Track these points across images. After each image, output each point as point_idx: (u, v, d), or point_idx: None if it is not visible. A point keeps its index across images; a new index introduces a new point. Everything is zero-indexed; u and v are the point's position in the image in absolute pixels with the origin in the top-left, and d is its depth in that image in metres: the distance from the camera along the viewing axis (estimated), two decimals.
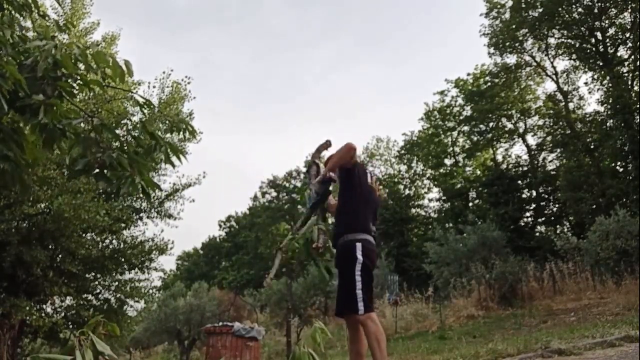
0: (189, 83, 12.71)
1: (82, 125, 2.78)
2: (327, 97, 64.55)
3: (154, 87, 12.40)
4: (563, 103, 23.78)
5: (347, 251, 3.50)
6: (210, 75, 62.30)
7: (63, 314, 10.85)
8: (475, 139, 27.43)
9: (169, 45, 64.78)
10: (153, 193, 11.27)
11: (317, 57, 62.52)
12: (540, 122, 25.26)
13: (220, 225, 46.50)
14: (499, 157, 27.59)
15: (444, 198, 28.23)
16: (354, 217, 3.60)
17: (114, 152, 2.68)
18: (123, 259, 11.25)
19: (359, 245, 3.49)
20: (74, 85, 2.75)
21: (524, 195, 23.88)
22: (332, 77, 61.98)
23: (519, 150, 34.27)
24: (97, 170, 2.74)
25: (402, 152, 31.06)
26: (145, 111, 2.93)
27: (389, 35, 55.97)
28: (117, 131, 3.16)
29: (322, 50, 60.71)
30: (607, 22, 21.25)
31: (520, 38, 23.07)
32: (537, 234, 22.69)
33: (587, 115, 22.23)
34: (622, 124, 18.08)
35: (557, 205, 23.41)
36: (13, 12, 2.76)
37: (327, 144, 3.94)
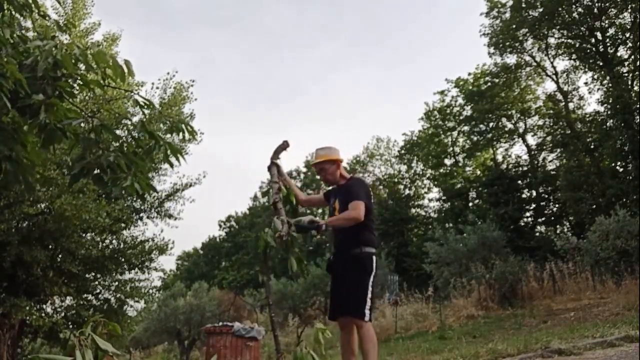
0: (192, 85, 12.68)
1: (83, 125, 2.78)
2: (327, 97, 64.55)
3: (157, 87, 12.37)
4: (563, 103, 23.78)
5: (364, 261, 3.76)
6: (210, 75, 62.35)
7: (63, 314, 10.85)
8: (475, 139, 27.42)
9: (168, 45, 64.83)
10: (148, 195, 11.26)
11: (317, 57, 62.53)
12: (540, 122, 25.27)
13: (220, 225, 46.50)
14: (499, 157, 27.60)
15: (444, 198, 28.24)
16: (373, 235, 3.90)
17: (112, 154, 2.67)
18: (123, 259, 11.25)
19: (375, 259, 3.82)
20: (74, 85, 2.75)
21: (524, 195, 23.89)
22: (332, 76, 62.01)
23: (519, 150, 34.27)
24: (96, 172, 2.74)
25: (402, 152, 31.07)
26: (146, 112, 2.93)
27: (389, 35, 55.98)
28: (117, 131, 3.15)
29: (322, 50, 60.73)
30: (607, 22, 21.25)
31: (520, 38, 23.07)
32: (537, 234, 22.68)
33: (587, 115, 22.24)
34: (622, 124, 18.08)
35: (557, 205, 23.42)
36: (13, 12, 2.75)
37: (284, 145, 4.08)
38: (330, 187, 4.19)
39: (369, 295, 3.67)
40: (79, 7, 11.38)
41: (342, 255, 3.83)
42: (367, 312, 3.63)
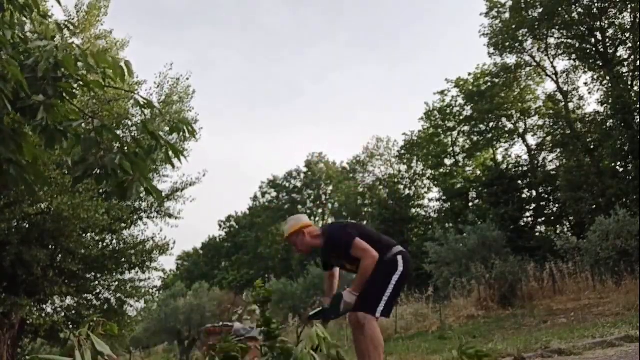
0: (188, 79, 12.74)
1: (83, 126, 2.78)
2: (327, 97, 64.62)
3: (158, 86, 12.41)
4: (563, 103, 23.78)
5: (392, 261, 3.63)
6: (210, 75, 62.35)
7: (63, 314, 10.87)
8: (475, 139, 27.42)
9: (166, 44, 64.77)
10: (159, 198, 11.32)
11: (316, 56, 62.56)
12: (540, 122, 25.27)
13: (220, 225, 46.56)
14: (499, 157, 27.60)
15: (444, 198, 28.23)
16: (383, 244, 3.70)
17: (116, 155, 2.67)
18: (123, 259, 11.26)
19: (399, 258, 3.66)
20: (75, 86, 2.75)
21: (524, 195, 23.86)
22: (332, 76, 62.05)
23: (519, 150, 34.29)
24: (98, 172, 2.73)
25: (402, 152, 31.07)
26: (147, 111, 2.93)
27: (389, 35, 56.03)
28: (118, 132, 3.15)
29: (322, 49, 60.77)
30: (606, 22, 21.26)
31: (520, 38, 23.07)
32: (537, 234, 22.68)
33: (587, 115, 22.24)
34: (622, 124, 18.08)
35: (557, 205, 23.40)
36: (14, 11, 2.75)
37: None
38: (324, 257, 3.99)
39: (388, 294, 3.50)
40: (92, 15, 11.56)
41: None
42: (379, 309, 3.46)
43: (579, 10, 21.56)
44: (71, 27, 8.72)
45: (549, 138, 24.22)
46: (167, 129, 9.97)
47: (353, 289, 3.52)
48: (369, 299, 3.51)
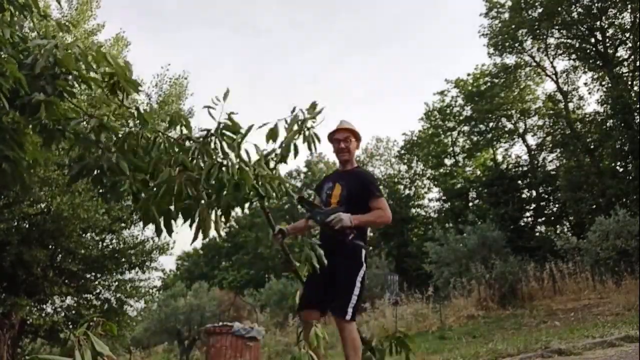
0: (186, 78, 12.79)
1: (83, 124, 2.77)
2: (326, 97, 64.58)
3: (156, 85, 12.45)
4: (563, 103, 23.78)
5: (355, 253, 3.44)
6: (209, 75, 62.31)
7: (63, 314, 10.87)
8: (475, 139, 27.41)
9: (164, 45, 64.78)
10: None
11: (315, 56, 62.53)
12: (540, 122, 25.27)
13: None
14: (499, 157, 27.58)
15: (444, 198, 28.23)
16: (365, 231, 3.64)
17: (113, 155, 2.65)
18: (123, 259, 11.26)
19: (364, 253, 3.50)
20: (74, 83, 2.74)
21: (524, 195, 23.87)
22: (331, 76, 62.01)
23: (519, 150, 34.29)
24: (96, 173, 2.72)
25: (402, 152, 31.06)
26: (146, 109, 2.91)
27: (388, 34, 55.96)
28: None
29: (321, 49, 60.72)
30: (606, 22, 21.26)
31: (520, 38, 23.07)
32: (537, 234, 22.66)
33: (587, 115, 22.25)
34: (622, 124, 18.09)
35: (557, 205, 23.40)
36: (14, 11, 2.75)
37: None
38: (325, 185, 3.78)
39: (356, 291, 3.32)
40: (84, 9, 11.50)
41: (331, 241, 3.32)
42: (350, 310, 3.26)
43: (579, 10, 21.55)
44: (70, 27, 8.72)
45: (549, 138, 24.22)
46: (163, 125, 9.98)
47: (355, 217, 3.32)
48: (338, 298, 3.35)
